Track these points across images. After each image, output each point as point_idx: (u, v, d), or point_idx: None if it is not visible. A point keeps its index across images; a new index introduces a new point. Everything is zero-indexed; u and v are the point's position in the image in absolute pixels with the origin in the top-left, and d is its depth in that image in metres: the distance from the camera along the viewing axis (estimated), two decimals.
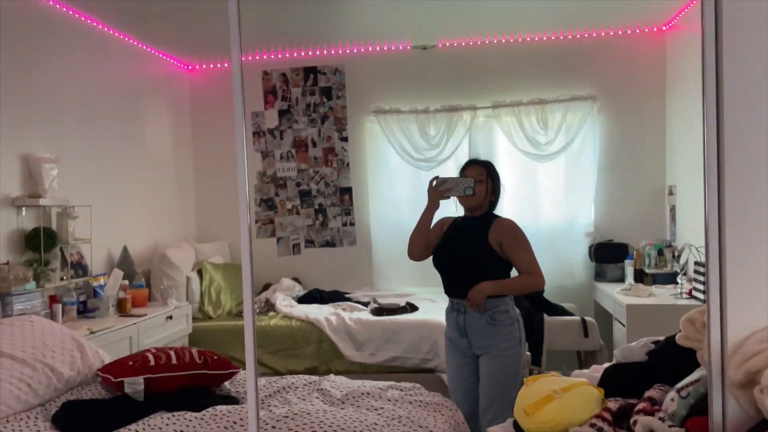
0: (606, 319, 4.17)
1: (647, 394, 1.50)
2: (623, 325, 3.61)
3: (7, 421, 2.09)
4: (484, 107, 4.73)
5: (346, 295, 4.70)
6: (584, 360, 3.99)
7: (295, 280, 4.94)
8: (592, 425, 1.40)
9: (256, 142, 5.09)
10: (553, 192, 4.69)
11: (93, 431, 2.06)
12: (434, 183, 2.63)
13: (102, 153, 3.92)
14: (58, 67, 3.54)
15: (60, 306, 3.20)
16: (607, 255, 4.45)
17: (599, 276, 4.49)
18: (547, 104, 4.64)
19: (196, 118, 5.17)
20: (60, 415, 2.16)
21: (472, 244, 2.64)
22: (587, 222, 4.63)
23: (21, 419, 2.12)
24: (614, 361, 1.81)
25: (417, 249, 2.73)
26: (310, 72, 5.05)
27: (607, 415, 1.43)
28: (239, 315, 4.30)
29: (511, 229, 2.63)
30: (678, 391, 1.40)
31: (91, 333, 3.00)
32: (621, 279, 4.30)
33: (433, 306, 4.25)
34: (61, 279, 3.32)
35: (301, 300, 4.60)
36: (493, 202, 2.73)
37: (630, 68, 4.60)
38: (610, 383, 1.63)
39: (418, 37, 4.71)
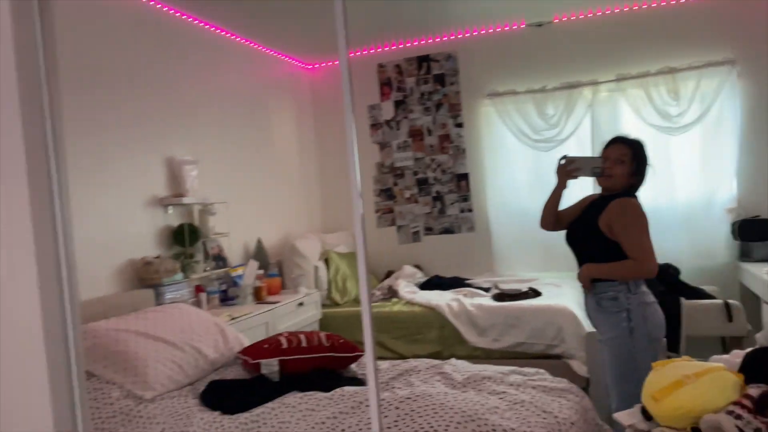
0: (753, 302, 3.82)
1: None
2: None
3: (162, 398, 2.34)
4: (607, 81, 4.49)
5: (467, 281, 4.70)
6: (728, 346, 3.68)
7: (417, 267, 5.02)
8: (730, 412, 1.31)
9: (373, 134, 5.22)
10: (688, 167, 4.35)
11: (235, 408, 2.25)
12: (562, 162, 2.56)
13: (235, 153, 4.23)
14: (194, 76, 3.86)
15: (204, 295, 3.51)
16: (754, 232, 4.06)
17: (745, 255, 4.11)
18: (678, 72, 4.31)
19: (318, 115, 5.41)
20: (206, 393, 2.38)
21: (584, 225, 2.54)
22: (729, 197, 4.25)
23: (173, 397, 2.37)
24: (757, 345, 1.66)
25: (545, 220, 2.71)
26: (423, 60, 5.08)
27: (747, 402, 1.33)
28: None
29: (620, 210, 2.43)
30: None
31: (232, 319, 3.26)
32: None
33: (557, 291, 4.13)
34: (204, 270, 3.64)
35: (423, 287, 4.66)
36: (635, 185, 2.54)
37: None
38: (752, 369, 1.51)
39: (532, 15, 4.56)
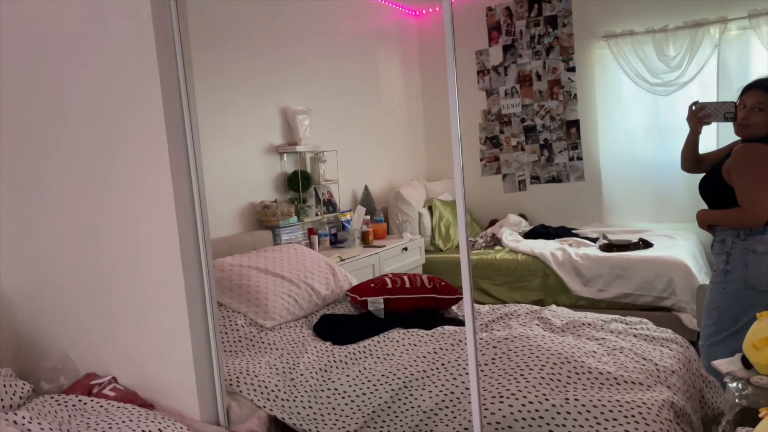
0: None
1: None
2: None
3: (280, 327, 2.59)
4: (737, 18, 4.11)
5: (574, 231, 4.63)
6: None
7: (522, 216, 5.00)
8: None
9: (480, 81, 5.17)
10: None
11: (344, 339, 2.45)
12: (693, 108, 2.47)
13: (344, 103, 4.38)
14: (306, 28, 4.00)
15: (316, 237, 3.75)
16: None
17: None
18: None
19: (424, 62, 5.42)
20: (319, 325, 2.60)
21: (711, 170, 2.48)
22: None
23: (291, 327, 2.61)
24: None
25: (684, 163, 2.65)
26: (534, 2, 4.90)
27: None
28: None
29: (740, 155, 2.34)
30: None
31: (341, 260, 3.48)
32: None
33: (670, 242, 3.98)
34: (316, 214, 3.87)
35: (527, 235, 4.66)
36: None
37: None
38: None
39: None
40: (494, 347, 2.12)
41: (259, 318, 2.53)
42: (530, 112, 5.02)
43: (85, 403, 1.84)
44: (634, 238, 4.05)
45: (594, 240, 4.27)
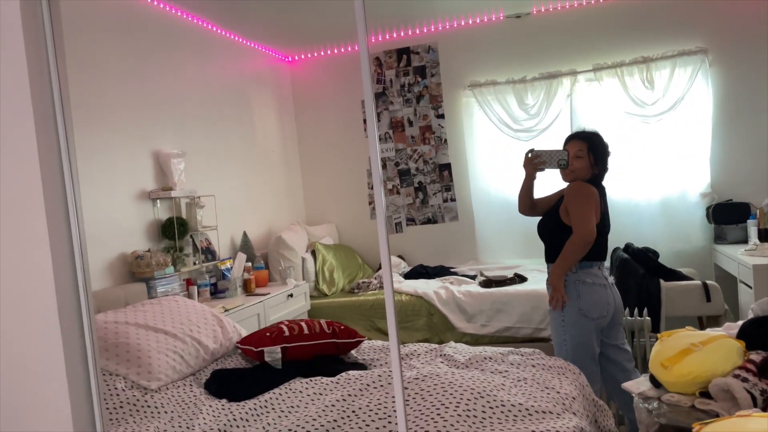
0: (727, 282, 3.98)
1: None
2: (750, 287, 3.44)
3: (167, 388, 2.34)
4: (584, 71, 4.60)
5: (452, 270, 4.77)
6: (706, 325, 3.83)
7: (400, 257, 5.07)
8: (736, 376, 1.39)
9: (366, 129, 5.25)
10: (664, 153, 4.49)
11: (241, 395, 2.27)
12: (529, 155, 2.74)
13: (220, 146, 4.21)
14: (180, 70, 3.82)
15: (195, 288, 3.50)
16: (727, 216, 4.23)
17: (719, 238, 4.28)
18: (652, 62, 4.44)
19: (299, 107, 5.41)
20: (211, 382, 2.39)
21: (550, 210, 2.78)
22: (703, 183, 4.40)
23: (178, 386, 2.37)
24: (751, 316, 1.76)
25: (521, 207, 2.92)
26: (403, 53, 5.12)
27: (751, 367, 1.42)
28: (352, 292, 4.49)
29: (572, 190, 2.69)
30: None
31: (226, 311, 3.26)
32: (743, 240, 4.08)
33: (541, 276, 4.22)
34: (194, 263, 3.62)
35: (407, 276, 4.72)
36: (598, 175, 2.75)
37: (744, 15, 4.29)
38: (751, 337, 1.60)
39: (511, 7, 4.64)
40: (406, 388, 2.07)
41: (141, 379, 2.27)
42: (404, 156, 5.17)
43: None
44: (510, 274, 4.26)
45: (472, 277, 4.43)
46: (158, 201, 3.50)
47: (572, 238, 2.60)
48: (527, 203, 2.88)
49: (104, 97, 3.16)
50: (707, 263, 4.37)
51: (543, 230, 2.82)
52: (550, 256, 2.79)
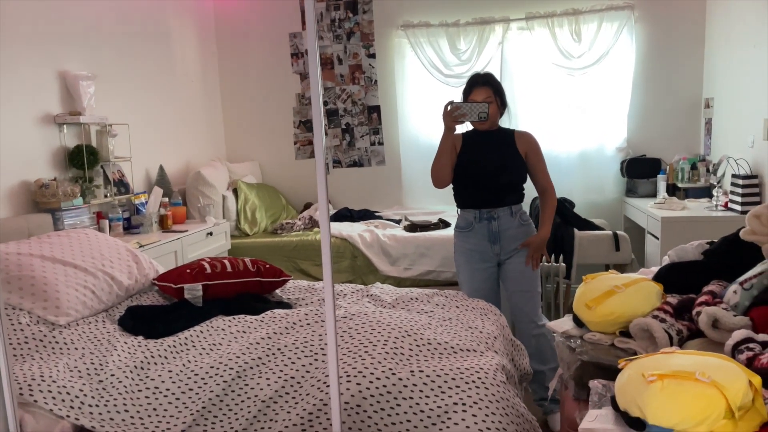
0: (636, 234, 4.21)
1: (707, 288, 1.55)
2: (657, 238, 3.65)
3: (77, 324, 2.20)
4: (517, 19, 4.59)
5: (376, 214, 4.76)
6: None
7: None
8: (655, 317, 1.45)
9: (294, 64, 5.03)
10: (586, 106, 4.61)
11: (159, 332, 2.17)
12: (449, 108, 2.59)
13: (135, 72, 3.90)
14: None
15: (107, 222, 3.30)
16: (639, 170, 4.44)
17: (630, 192, 4.50)
18: (581, 14, 4.49)
19: (222, 37, 5.09)
20: (126, 319, 2.27)
21: (506, 155, 2.74)
22: (620, 137, 4.58)
23: (89, 322, 2.24)
24: (668, 262, 1.85)
25: (443, 175, 2.74)
26: None
27: (668, 308, 1.49)
28: (274, 232, 4.39)
29: (534, 141, 2.78)
30: (741, 283, 1.44)
31: (140, 247, 3.10)
32: (653, 194, 4.30)
33: None
34: (105, 196, 3.39)
35: (333, 219, 4.66)
36: (502, 114, 2.80)
37: None
38: (666, 282, 1.68)
39: None
40: None
41: (49, 314, 2.12)
42: (332, 96, 5.02)
43: None
44: (434, 219, 4.30)
45: (397, 222, 4.44)
46: (65, 126, 3.22)
47: (551, 196, 2.75)
48: (450, 166, 2.70)
49: (2, 7, 2.82)
50: (618, 215, 4.60)
51: (508, 171, 2.68)
52: (508, 200, 2.71)
